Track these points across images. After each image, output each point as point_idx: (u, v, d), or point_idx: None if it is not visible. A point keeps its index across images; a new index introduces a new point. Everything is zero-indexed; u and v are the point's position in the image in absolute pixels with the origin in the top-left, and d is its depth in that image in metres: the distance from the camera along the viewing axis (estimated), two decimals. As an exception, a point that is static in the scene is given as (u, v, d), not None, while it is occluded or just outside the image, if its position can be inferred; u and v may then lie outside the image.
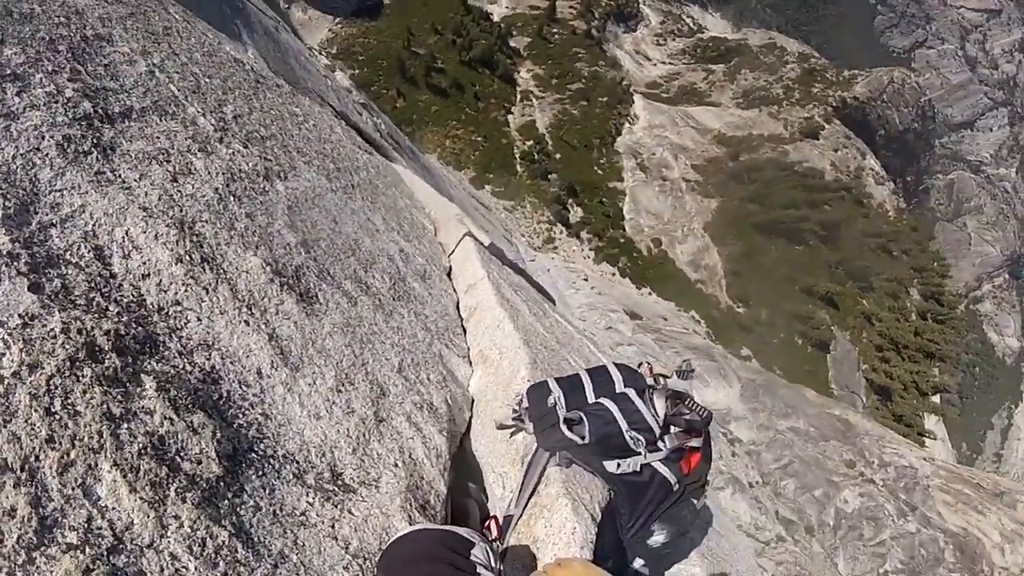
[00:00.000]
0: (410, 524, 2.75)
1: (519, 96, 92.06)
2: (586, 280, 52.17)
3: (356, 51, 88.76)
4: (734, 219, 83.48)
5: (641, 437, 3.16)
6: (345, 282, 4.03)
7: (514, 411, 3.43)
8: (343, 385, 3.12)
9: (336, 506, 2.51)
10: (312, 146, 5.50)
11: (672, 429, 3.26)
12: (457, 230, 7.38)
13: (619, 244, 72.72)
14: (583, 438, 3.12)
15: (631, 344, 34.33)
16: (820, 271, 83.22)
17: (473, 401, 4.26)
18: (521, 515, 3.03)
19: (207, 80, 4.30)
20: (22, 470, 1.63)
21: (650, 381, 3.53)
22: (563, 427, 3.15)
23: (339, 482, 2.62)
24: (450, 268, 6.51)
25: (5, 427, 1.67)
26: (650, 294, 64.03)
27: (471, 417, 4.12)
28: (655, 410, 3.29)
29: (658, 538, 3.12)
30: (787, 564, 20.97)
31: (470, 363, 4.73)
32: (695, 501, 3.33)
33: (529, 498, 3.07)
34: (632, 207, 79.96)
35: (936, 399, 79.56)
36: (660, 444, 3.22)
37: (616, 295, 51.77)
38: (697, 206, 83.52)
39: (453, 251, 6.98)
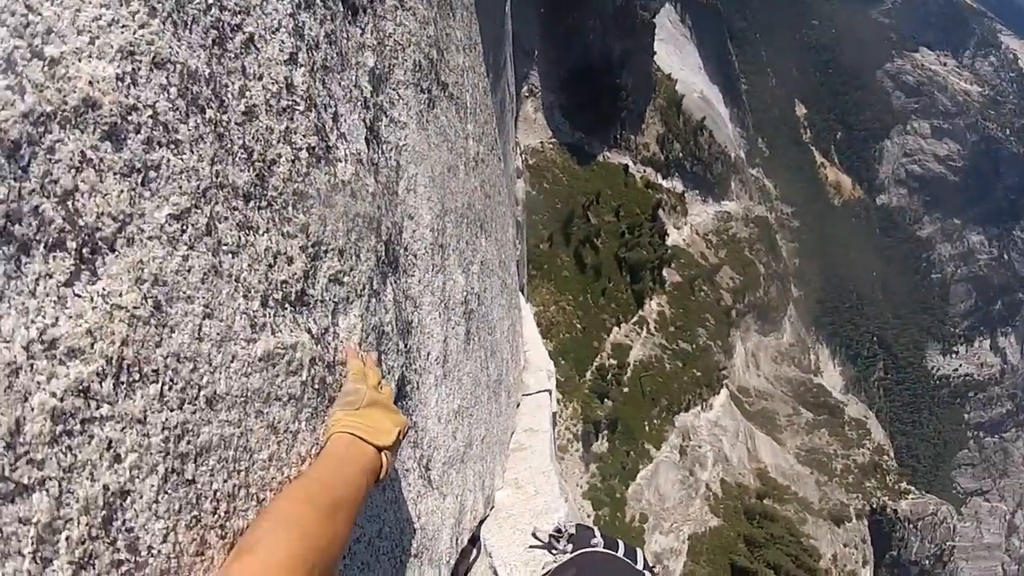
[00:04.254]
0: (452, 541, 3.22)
1: (636, 317, 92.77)
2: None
3: (547, 176, 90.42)
4: (719, 546, 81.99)
5: None
6: (483, 349, 4.47)
7: (557, 530, 3.60)
8: (459, 416, 3.51)
9: (423, 491, 2.89)
10: (497, 222, 5.88)
11: None
12: (542, 382, 7.72)
13: (614, 498, 71.79)
14: None
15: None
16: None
17: (493, 507, 4.55)
18: None
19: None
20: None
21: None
22: None
23: (427, 475, 2.95)
24: (518, 403, 6.83)
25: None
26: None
27: (489, 514, 4.41)
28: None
29: None
30: None
31: (503, 479, 5.03)
32: None
33: (540, 594, 3.27)
34: (647, 476, 79.23)
35: None
36: None
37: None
38: (699, 514, 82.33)
39: (530, 394, 7.29)
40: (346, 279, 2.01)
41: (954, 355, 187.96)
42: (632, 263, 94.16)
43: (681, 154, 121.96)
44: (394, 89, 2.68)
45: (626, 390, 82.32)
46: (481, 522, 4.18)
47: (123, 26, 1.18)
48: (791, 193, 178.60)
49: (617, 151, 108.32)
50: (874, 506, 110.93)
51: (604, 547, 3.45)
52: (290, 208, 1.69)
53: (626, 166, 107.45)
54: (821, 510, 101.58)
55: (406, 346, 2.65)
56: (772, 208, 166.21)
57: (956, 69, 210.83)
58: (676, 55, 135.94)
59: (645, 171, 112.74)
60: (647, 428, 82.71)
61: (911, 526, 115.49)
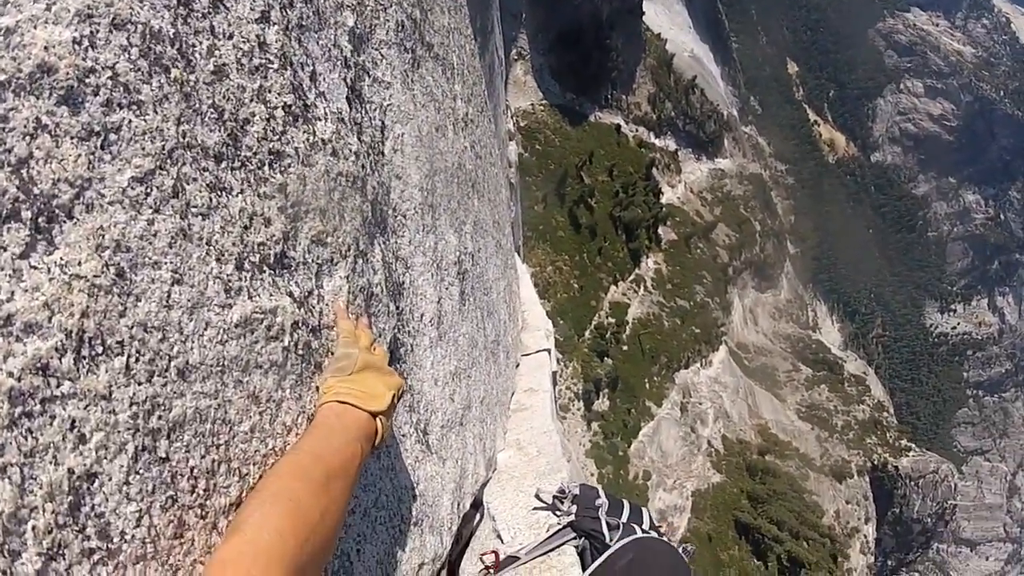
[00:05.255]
0: (453, 506, 3.22)
1: (633, 276, 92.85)
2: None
3: (539, 137, 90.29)
4: (723, 502, 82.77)
5: None
6: (479, 309, 4.43)
7: (560, 491, 3.58)
8: (457, 378, 3.47)
9: (421, 456, 2.84)
10: (489, 183, 5.83)
11: None
12: (541, 341, 7.69)
13: (616, 456, 72.17)
14: (612, 541, 3.26)
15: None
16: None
17: (495, 469, 4.52)
18: (526, 563, 3.24)
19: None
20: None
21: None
22: (603, 525, 3.31)
23: (425, 439, 2.90)
24: (518, 364, 6.79)
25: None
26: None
27: (491, 477, 4.38)
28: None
29: None
30: None
31: (505, 441, 4.98)
32: None
33: (541, 554, 3.27)
34: (649, 433, 79.58)
35: None
36: None
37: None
38: (702, 471, 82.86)
39: (529, 354, 7.27)
40: (329, 240, 1.95)
41: (952, 313, 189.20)
42: (627, 222, 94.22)
43: (673, 113, 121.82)
44: (376, 49, 2.62)
45: (625, 348, 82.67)
46: (483, 485, 4.14)
47: (80, -11, 1.13)
48: (785, 150, 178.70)
49: (608, 111, 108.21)
50: (875, 462, 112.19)
51: (609, 507, 3.43)
52: (266, 168, 1.64)
53: (618, 126, 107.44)
54: (823, 466, 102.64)
55: (397, 308, 2.60)
56: (766, 165, 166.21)
57: (948, 30, 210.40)
58: (665, 14, 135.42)
59: (637, 130, 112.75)
60: (647, 386, 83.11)
61: (912, 483, 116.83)
